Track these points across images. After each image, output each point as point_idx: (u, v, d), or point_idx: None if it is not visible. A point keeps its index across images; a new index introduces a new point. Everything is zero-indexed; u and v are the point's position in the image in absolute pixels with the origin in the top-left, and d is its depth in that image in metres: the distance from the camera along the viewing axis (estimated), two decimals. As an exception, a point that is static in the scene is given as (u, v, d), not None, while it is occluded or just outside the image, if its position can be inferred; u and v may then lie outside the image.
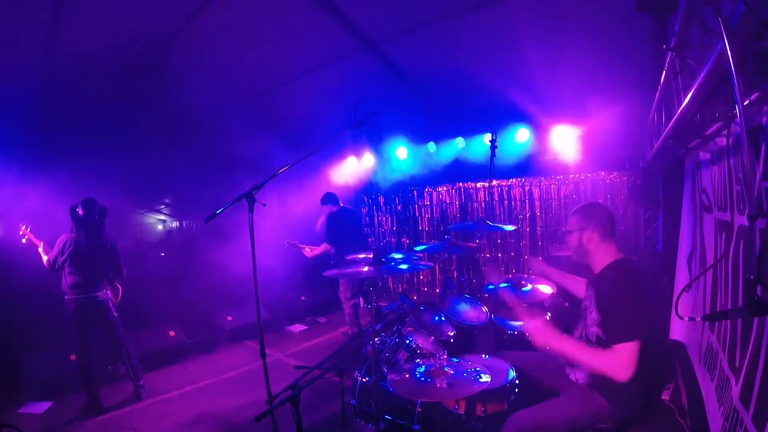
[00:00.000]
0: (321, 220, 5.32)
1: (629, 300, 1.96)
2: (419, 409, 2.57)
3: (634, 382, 1.94)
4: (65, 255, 3.73)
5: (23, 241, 3.99)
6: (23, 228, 4.01)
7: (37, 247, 3.93)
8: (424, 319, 3.40)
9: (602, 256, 2.15)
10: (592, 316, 2.11)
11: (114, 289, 4.04)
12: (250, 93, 5.30)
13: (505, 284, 3.02)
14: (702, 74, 1.26)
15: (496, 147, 4.02)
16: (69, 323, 3.78)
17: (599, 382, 2.04)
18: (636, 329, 1.89)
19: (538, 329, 2.11)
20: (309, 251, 5.30)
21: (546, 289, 3.19)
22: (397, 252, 2.90)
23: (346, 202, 5.63)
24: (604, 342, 2.04)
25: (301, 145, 5.98)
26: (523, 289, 3.13)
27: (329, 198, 5.30)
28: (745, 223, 1.62)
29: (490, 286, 3.04)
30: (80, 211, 3.79)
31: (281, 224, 6.15)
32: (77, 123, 4.85)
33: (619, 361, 1.87)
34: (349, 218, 5.39)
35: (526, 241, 5.91)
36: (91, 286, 3.80)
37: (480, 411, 2.34)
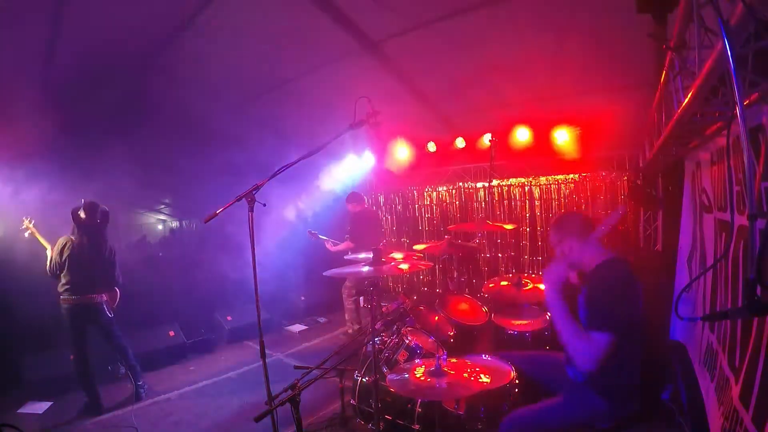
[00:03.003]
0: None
1: (611, 295, 1.97)
2: (419, 409, 2.58)
3: (633, 381, 1.94)
4: (63, 258, 3.70)
5: (26, 235, 3.86)
6: (26, 221, 3.88)
7: (45, 250, 3.84)
8: (424, 319, 3.40)
9: (591, 257, 2.15)
10: (582, 313, 2.12)
11: (111, 293, 4.00)
12: (251, 93, 5.30)
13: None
14: (702, 74, 1.26)
15: (496, 147, 4.04)
16: (64, 324, 3.77)
17: (599, 381, 2.04)
18: (612, 323, 1.89)
19: (552, 273, 2.13)
20: (332, 246, 5.36)
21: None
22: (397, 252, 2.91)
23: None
24: None
25: (301, 144, 5.97)
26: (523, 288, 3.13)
27: (354, 197, 5.46)
28: (745, 223, 1.62)
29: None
30: (82, 214, 3.77)
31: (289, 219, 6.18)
32: (77, 123, 4.85)
33: (589, 348, 1.89)
34: (372, 218, 5.65)
35: (526, 241, 5.90)
36: (86, 288, 3.78)
37: (480, 411, 2.34)
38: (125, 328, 4.09)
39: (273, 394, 2.10)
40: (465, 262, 6.41)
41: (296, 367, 2.82)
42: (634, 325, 1.95)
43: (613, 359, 1.92)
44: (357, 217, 5.36)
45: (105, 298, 3.92)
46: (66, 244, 3.74)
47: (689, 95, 1.47)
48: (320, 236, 5.50)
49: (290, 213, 6.82)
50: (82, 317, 3.79)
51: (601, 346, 1.87)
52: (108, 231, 3.99)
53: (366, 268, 2.43)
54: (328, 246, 5.40)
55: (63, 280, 3.72)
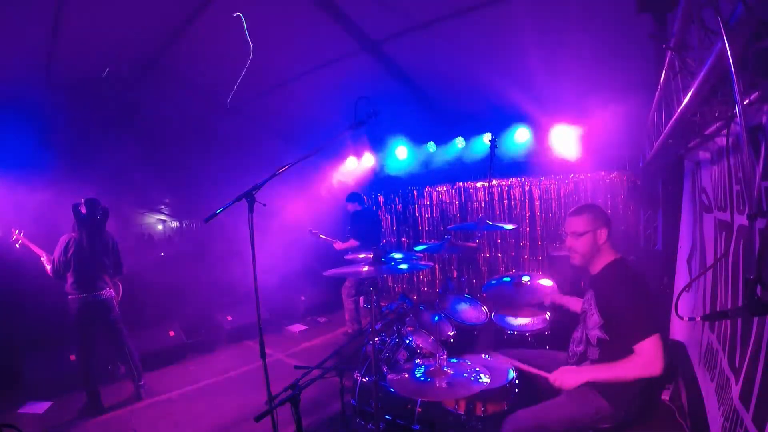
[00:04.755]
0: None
1: (634, 298, 1.97)
2: (419, 409, 2.57)
3: (634, 382, 1.94)
4: (68, 255, 3.70)
5: (17, 246, 3.87)
6: (16, 233, 3.89)
7: (39, 257, 3.85)
8: (424, 319, 3.40)
9: (603, 256, 2.15)
10: (594, 318, 2.11)
11: (115, 287, 4.03)
12: (251, 93, 5.29)
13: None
14: (702, 74, 1.26)
15: (496, 147, 4.03)
16: (72, 323, 3.76)
17: (599, 381, 2.04)
18: (650, 323, 1.90)
19: (564, 378, 2.08)
20: (339, 245, 5.35)
21: (546, 287, 3.19)
22: (397, 252, 2.90)
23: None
24: (607, 344, 2.04)
25: (301, 144, 5.98)
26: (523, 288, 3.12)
27: (355, 197, 5.49)
28: (745, 223, 1.62)
29: None
30: (83, 209, 3.78)
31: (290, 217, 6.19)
32: (77, 124, 4.85)
33: (647, 359, 1.88)
34: (373, 217, 5.75)
35: (526, 241, 5.90)
36: (95, 284, 3.80)
37: (480, 411, 2.34)
38: (126, 328, 4.09)
39: (273, 394, 2.10)
40: (465, 262, 6.41)
41: (296, 367, 2.81)
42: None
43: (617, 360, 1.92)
44: (357, 217, 5.37)
45: (113, 293, 3.93)
46: (69, 241, 3.74)
47: (689, 95, 1.47)
48: (321, 235, 5.50)
49: (290, 213, 6.82)
50: (92, 315, 3.79)
51: (653, 349, 1.86)
52: (108, 227, 4.00)
53: (366, 268, 2.42)
54: (336, 245, 5.37)
55: (70, 279, 3.72)
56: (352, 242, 5.21)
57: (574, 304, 2.57)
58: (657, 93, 2.49)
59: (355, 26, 3.92)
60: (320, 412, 3.51)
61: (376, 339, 2.87)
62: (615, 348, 2.01)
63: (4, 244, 3.92)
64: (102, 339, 3.94)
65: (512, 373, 2.42)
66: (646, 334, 1.88)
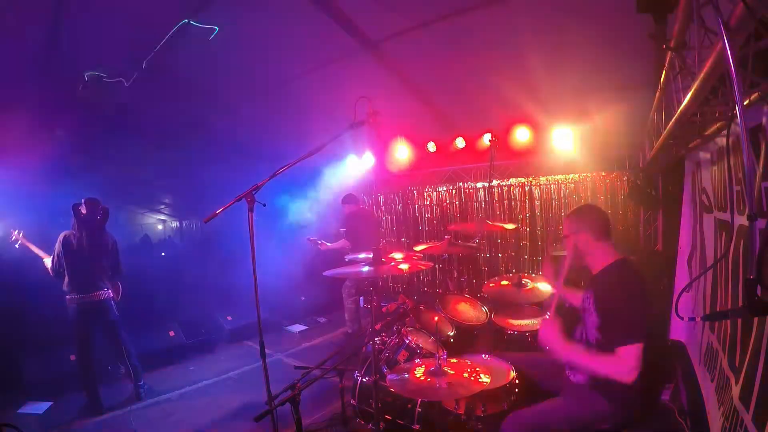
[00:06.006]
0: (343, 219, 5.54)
1: (630, 302, 1.96)
2: (419, 409, 2.58)
3: (634, 382, 1.94)
4: (67, 250, 3.69)
5: (16, 246, 3.89)
6: (15, 233, 3.90)
7: (42, 259, 3.85)
8: (424, 319, 3.40)
9: (599, 257, 2.15)
10: (592, 319, 2.11)
11: (115, 288, 4.03)
12: (250, 93, 5.29)
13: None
14: (702, 74, 1.26)
15: (496, 147, 4.03)
16: (70, 323, 3.76)
17: (599, 382, 2.04)
18: (638, 331, 1.89)
19: (549, 331, 2.11)
20: (324, 246, 5.32)
21: (546, 288, 3.19)
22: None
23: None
24: (603, 345, 2.04)
25: (300, 144, 5.96)
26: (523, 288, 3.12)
27: (349, 198, 5.53)
28: (745, 223, 1.62)
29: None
30: (83, 209, 3.78)
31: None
32: (77, 126, 4.85)
33: (624, 365, 1.87)
34: (368, 217, 5.72)
35: (526, 241, 5.90)
36: (93, 285, 3.80)
37: (480, 411, 2.34)
38: (126, 328, 4.09)
39: (273, 394, 2.10)
40: (465, 262, 6.41)
41: (296, 367, 2.82)
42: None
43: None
44: (352, 217, 5.38)
45: (111, 294, 3.93)
46: (68, 236, 3.74)
47: (689, 95, 1.47)
48: (319, 242, 5.44)
49: (291, 213, 6.82)
50: (89, 316, 3.79)
51: (633, 357, 1.86)
52: (107, 227, 4.00)
53: (366, 269, 2.43)
54: (321, 247, 5.32)
55: (69, 279, 3.73)
56: (344, 242, 5.20)
57: (576, 299, 2.56)
58: (657, 93, 2.50)
59: (355, 26, 3.92)
60: (320, 412, 3.51)
61: (376, 339, 2.87)
62: (611, 349, 2.01)
63: (4, 244, 3.92)
64: (101, 339, 3.94)
65: (512, 373, 2.42)
66: (630, 341, 1.87)
